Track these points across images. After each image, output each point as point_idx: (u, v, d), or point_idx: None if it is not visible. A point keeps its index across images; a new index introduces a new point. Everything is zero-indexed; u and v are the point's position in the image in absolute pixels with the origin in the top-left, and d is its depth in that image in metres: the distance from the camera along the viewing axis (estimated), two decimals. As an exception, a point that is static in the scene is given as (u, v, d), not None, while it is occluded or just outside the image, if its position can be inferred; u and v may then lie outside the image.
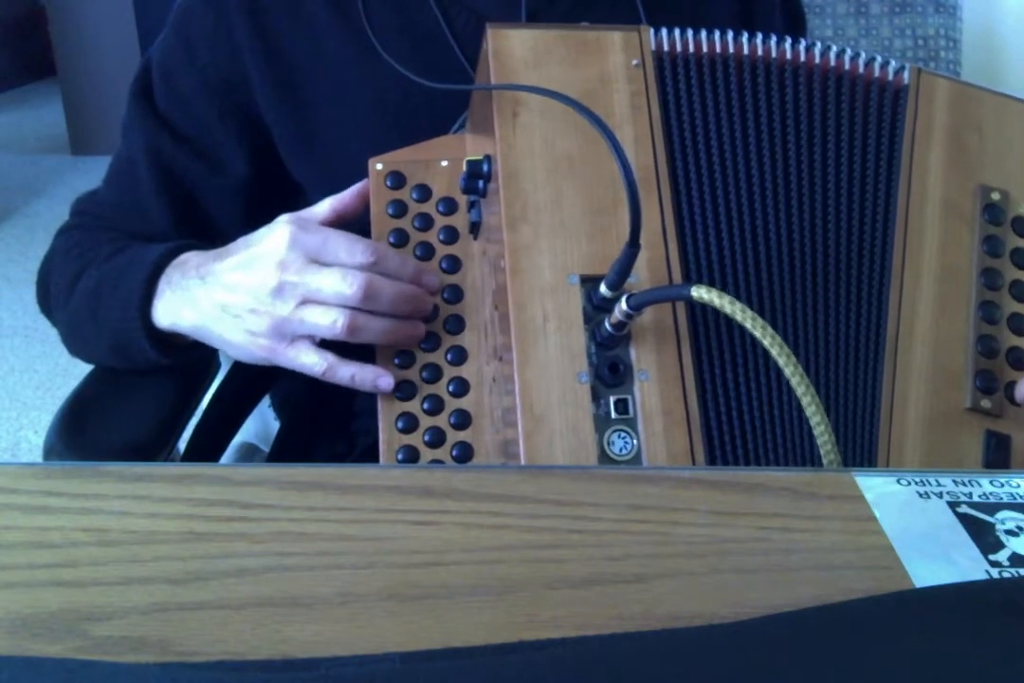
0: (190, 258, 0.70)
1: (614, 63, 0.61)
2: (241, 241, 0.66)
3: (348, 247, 0.61)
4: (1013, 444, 0.60)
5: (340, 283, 0.60)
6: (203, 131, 0.79)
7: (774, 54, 0.63)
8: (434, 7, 0.75)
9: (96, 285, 0.75)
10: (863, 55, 0.65)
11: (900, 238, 0.62)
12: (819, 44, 0.64)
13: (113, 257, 0.75)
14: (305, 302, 0.62)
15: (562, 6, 0.77)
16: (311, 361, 0.63)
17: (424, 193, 0.66)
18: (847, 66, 0.64)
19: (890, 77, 0.65)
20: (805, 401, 0.50)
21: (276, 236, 0.63)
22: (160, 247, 0.72)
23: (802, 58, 0.64)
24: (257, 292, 0.62)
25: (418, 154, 0.66)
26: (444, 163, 0.66)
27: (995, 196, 0.64)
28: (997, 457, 0.60)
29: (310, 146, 0.77)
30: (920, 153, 0.64)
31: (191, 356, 0.73)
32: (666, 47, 0.62)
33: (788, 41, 0.64)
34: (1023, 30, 1.48)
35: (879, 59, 0.65)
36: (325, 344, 0.64)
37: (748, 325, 0.51)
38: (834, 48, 0.65)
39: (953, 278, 0.62)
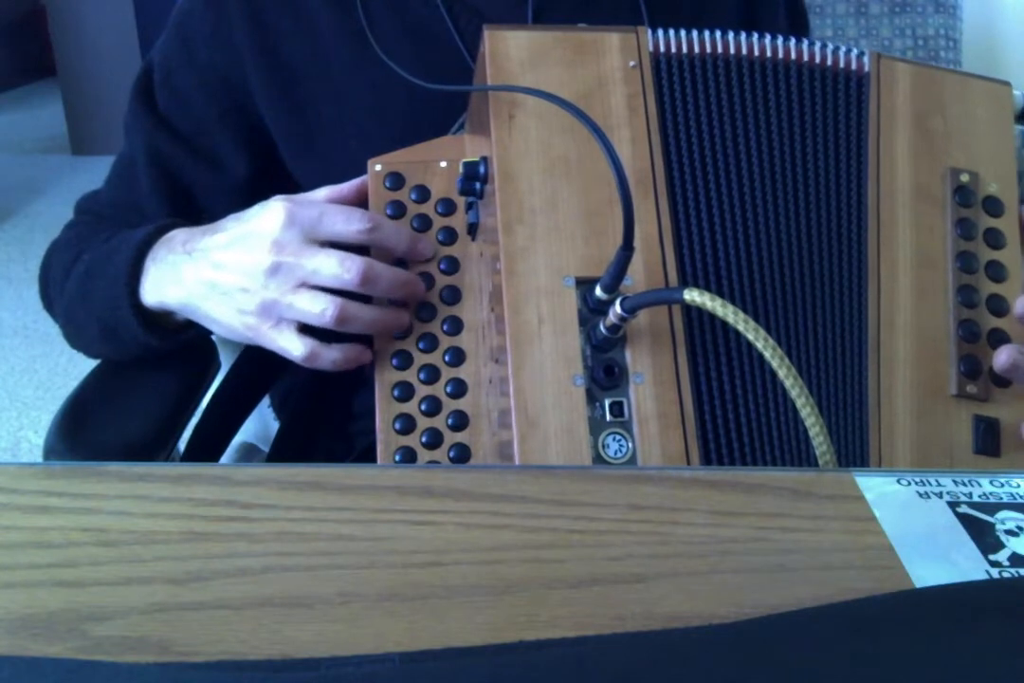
0: (177, 234, 0.70)
1: (611, 64, 0.61)
2: (232, 217, 0.66)
3: (345, 216, 0.61)
4: (1002, 427, 0.61)
5: (337, 267, 0.60)
6: (202, 131, 0.79)
7: (768, 53, 0.63)
8: (440, 7, 0.75)
9: (87, 269, 0.75)
10: (830, 46, 0.65)
11: (874, 229, 0.62)
12: (792, 38, 0.64)
13: (105, 243, 0.76)
14: (299, 286, 0.61)
15: (566, 5, 0.77)
16: (292, 346, 0.63)
17: (423, 194, 0.65)
18: (817, 58, 0.64)
19: (852, 65, 0.65)
20: (799, 402, 0.50)
21: (271, 214, 0.62)
22: (147, 226, 0.72)
23: (780, 54, 0.64)
24: (249, 271, 0.62)
25: (417, 155, 0.66)
26: (443, 164, 0.66)
27: (964, 178, 0.64)
28: (987, 442, 0.60)
29: (310, 146, 0.77)
30: (886, 141, 0.64)
31: (182, 338, 0.73)
32: (663, 48, 0.62)
33: (779, 38, 0.64)
34: (1023, 30, 1.48)
35: (843, 48, 0.65)
36: (311, 329, 0.64)
37: (741, 327, 0.51)
38: (805, 41, 0.65)
39: (929, 264, 0.62)
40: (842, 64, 0.64)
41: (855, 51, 0.65)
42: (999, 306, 0.63)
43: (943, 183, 0.64)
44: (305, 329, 0.63)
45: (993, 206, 0.65)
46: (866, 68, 0.65)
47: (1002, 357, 0.60)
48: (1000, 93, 0.67)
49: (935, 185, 0.64)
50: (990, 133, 0.66)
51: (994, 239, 0.64)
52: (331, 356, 0.63)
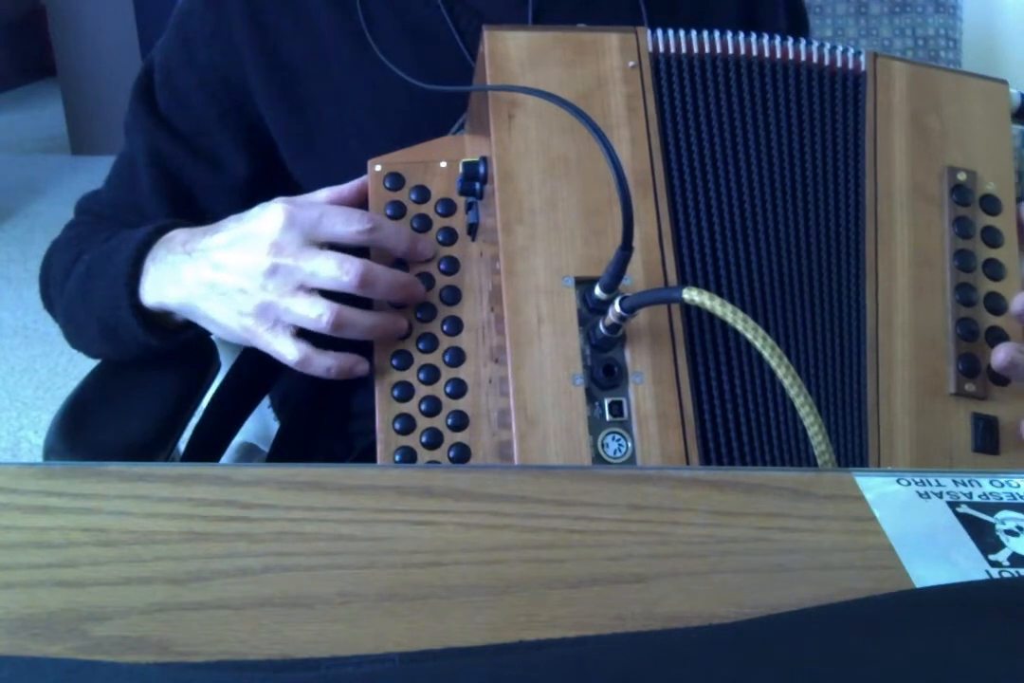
0: (176, 234, 0.70)
1: (611, 65, 0.61)
2: (232, 218, 0.66)
3: (345, 217, 0.62)
4: (1000, 425, 0.61)
5: (336, 269, 0.60)
6: (202, 131, 0.79)
7: (766, 53, 0.63)
8: (441, 7, 0.75)
9: (87, 269, 0.75)
10: (827, 45, 0.65)
11: (871, 228, 0.62)
12: (789, 38, 0.64)
13: (105, 243, 0.76)
14: (298, 289, 0.61)
15: (567, 6, 0.77)
16: (286, 350, 0.63)
17: (423, 194, 0.66)
18: (815, 57, 0.64)
19: (849, 65, 0.65)
20: (798, 402, 0.51)
21: (270, 216, 0.62)
22: (147, 227, 0.72)
23: (778, 54, 0.64)
24: (248, 272, 0.62)
25: (417, 155, 0.66)
26: (443, 164, 0.66)
27: (962, 177, 0.64)
28: (986, 440, 0.60)
29: (310, 146, 0.77)
30: (883, 140, 0.64)
31: (181, 338, 0.73)
32: (662, 48, 0.62)
33: (777, 38, 0.64)
34: (1023, 30, 1.48)
35: (839, 47, 0.65)
36: (309, 334, 0.64)
37: (740, 327, 0.51)
38: (802, 41, 0.65)
39: (927, 263, 0.63)
40: (839, 63, 0.64)
41: (851, 50, 0.65)
42: (997, 304, 0.63)
43: (940, 182, 0.64)
44: (302, 333, 0.64)
45: (991, 204, 0.65)
46: (863, 67, 0.65)
47: (1000, 355, 0.60)
48: (997, 91, 0.67)
49: (932, 184, 0.64)
50: (987, 132, 0.66)
51: (992, 237, 0.64)
52: (325, 363, 0.63)
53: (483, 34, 0.60)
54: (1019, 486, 0.45)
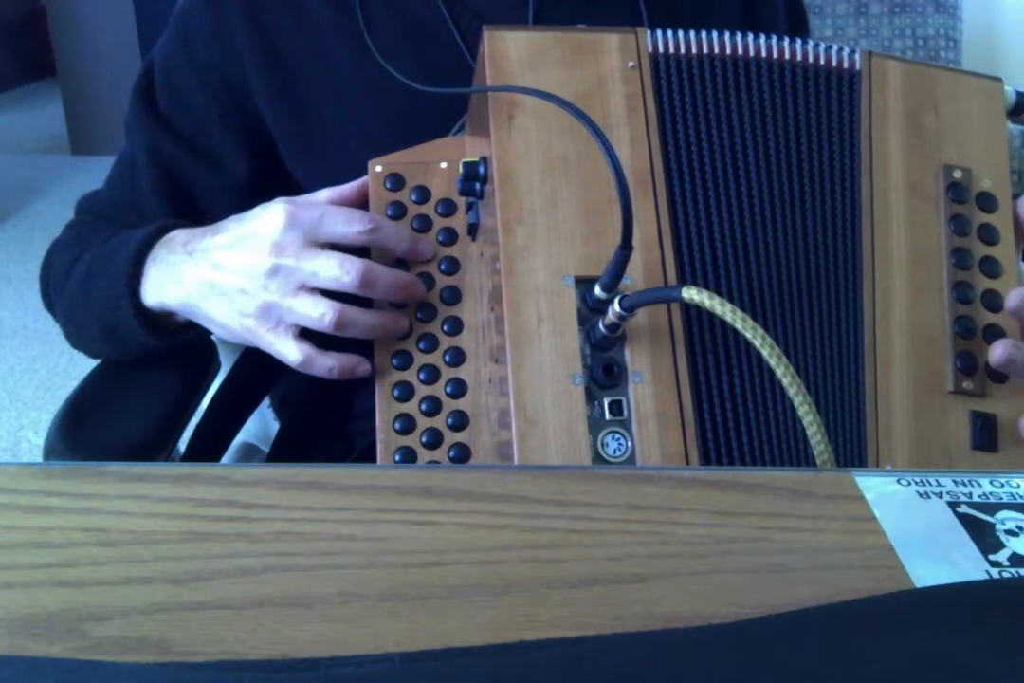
0: (177, 235, 0.70)
1: (610, 65, 0.61)
2: (233, 218, 0.66)
3: (346, 217, 0.62)
4: (999, 422, 0.61)
5: (337, 269, 0.60)
6: (202, 131, 0.79)
7: (763, 53, 0.63)
8: (441, 8, 0.75)
9: (88, 268, 0.75)
10: (822, 44, 0.65)
11: (868, 227, 0.62)
12: (786, 37, 0.64)
13: (105, 242, 0.76)
14: (300, 289, 0.61)
15: (567, 6, 0.77)
16: (288, 350, 0.63)
17: (423, 195, 0.66)
18: (810, 57, 0.64)
19: (844, 64, 0.65)
20: (797, 401, 0.51)
21: (271, 216, 0.62)
22: (148, 227, 0.72)
23: (775, 54, 0.64)
24: (249, 273, 0.62)
25: (417, 156, 0.66)
26: (443, 165, 0.66)
27: (957, 174, 0.64)
28: (984, 437, 0.60)
29: (310, 146, 0.78)
30: (879, 138, 0.64)
31: (182, 338, 0.73)
32: (662, 49, 0.62)
33: (773, 38, 0.64)
34: (1023, 30, 1.48)
35: (835, 46, 0.65)
36: (310, 334, 0.64)
37: (739, 326, 0.51)
38: (798, 40, 0.64)
39: (924, 261, 0.63)
40: (834, 63, 0.64)
41: (846, 50, 0.65)
42: (994, 302, 0.63)
43: (936, 180, 0.64)
44: (304, 334, 0.64)
45: (987, 202, 0.65)
46: (857, 66, 0.65)
47: (997, 352, 0.60)
48: (992, 89, 0.67)
49: (928, 182, 0.64)
50: (983, 129, 0.66)
51: (988, 235, 0.64)
52: (327, 364, 0.63)
53: (483, 34, 0.61)
54: (1019, 486, 0.45)
